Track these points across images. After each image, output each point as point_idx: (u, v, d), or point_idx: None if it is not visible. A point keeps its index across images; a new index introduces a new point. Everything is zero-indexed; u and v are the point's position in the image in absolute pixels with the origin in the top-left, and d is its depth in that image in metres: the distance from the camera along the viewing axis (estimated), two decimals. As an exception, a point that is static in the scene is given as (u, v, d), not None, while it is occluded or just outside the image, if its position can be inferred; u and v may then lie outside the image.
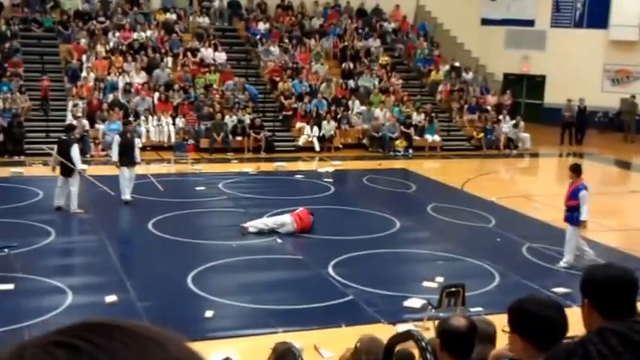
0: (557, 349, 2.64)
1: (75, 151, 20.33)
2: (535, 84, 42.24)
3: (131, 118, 29.44)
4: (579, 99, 36.65)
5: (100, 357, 1.18)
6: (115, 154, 21.63)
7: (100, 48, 34.09)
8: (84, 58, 33.39)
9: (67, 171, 20.21)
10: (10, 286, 14.43)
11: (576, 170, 17.09)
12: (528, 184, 29.28)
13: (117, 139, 22.03)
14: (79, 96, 30.76)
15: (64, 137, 21.06)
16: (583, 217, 16.61)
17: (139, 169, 22.56)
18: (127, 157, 21.46)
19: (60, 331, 1.26)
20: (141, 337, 1.25)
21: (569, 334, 4.19)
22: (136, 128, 29.27)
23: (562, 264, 16.87)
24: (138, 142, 24.77)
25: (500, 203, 23.10)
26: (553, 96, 40.63)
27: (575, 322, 4.12)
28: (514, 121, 34.83)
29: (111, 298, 13.96)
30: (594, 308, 3.73)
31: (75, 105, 29.94)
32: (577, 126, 36.59)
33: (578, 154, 34.63)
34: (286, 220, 19.07)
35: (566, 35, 40.90)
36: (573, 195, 16.68)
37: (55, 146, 21.03)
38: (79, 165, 20.48)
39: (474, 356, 5.36)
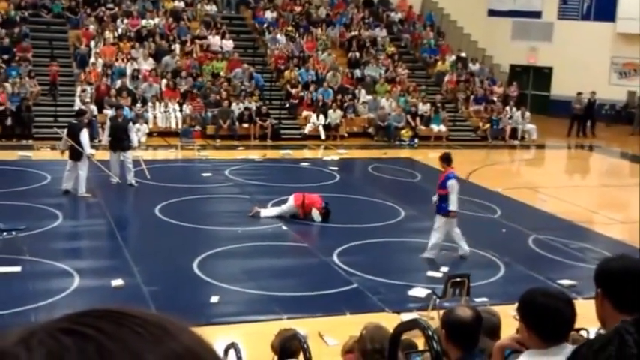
0: (593, 338, 2.68)
1: (84, 135, 20.44)
2: (542, 76, 42.19)
3: (138, 104, 29.63)
4: (590, 92, 36.59)
5: (109, 345, 1.13)
6: (105, 138, 21.96)
7: (108, 34, 34.13)
8: (92, 44, 33.41)
9: (76, 155, 20.31)
10: (18, 269, 14.51)
11: (446, 160, 16.55)
12: (534, 176, 29.27)
13: (108, 123, 22.31)
14: (88, 81, 30.82)
15: (74, 122, 21.19)
16: (451, 207, 16.13)
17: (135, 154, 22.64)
18: (117, 142, 21.72)
19: (68, 318, 1.20)
20: (151, 324, 1.19)
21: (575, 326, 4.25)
22: (142, 114, 29.42)
23: (428, 254, 16.48)
24: (135, 127, 25.00)
25: (505, 194, 23.13)
26: (560, 88, 40.63)
27: (580, 314, 4.18)
28: (520, 112, 34.82)
29: (117, 282, 14.05)
30: (607, 299, 3.77)
31: (83, 90, 29.99)
32: (586, 118, 36.55)
33: (585, 146, 34.64)
34: (290, 201, 19.22)
35: (573, 27, 40.84)
36: (443, 184, 16.23)
37: (65, 130, 21.14)
38: (88, 150, 20.56)
39: (478, 346, 5.40)
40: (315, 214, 19.05)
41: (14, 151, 25.48)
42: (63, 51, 33.65)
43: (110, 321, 1.18)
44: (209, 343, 1.22)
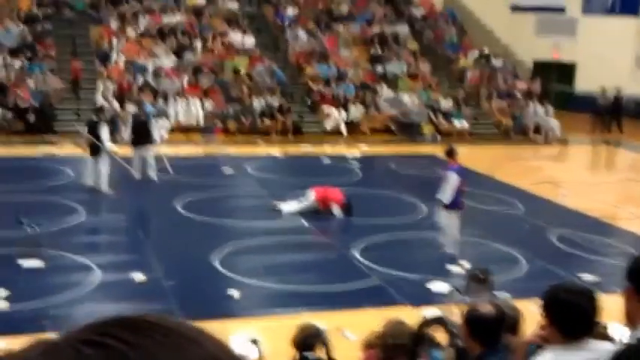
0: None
1: (104, 131, 20.53)
2: (565, 71, 42.00)
3: (160, 101, 29.73)
4: (616, 87, 36.40)
5: (132, 355, 1.13)
6: (127, 134, 22.08)
7: (130, 31, 34.25)
8: (114, 40, 33.54)
9: (96, 151, 20.38)
10: (41, 263, 14.56)
11: (449, 153, 16.26)
12: (557, 172, 29.13)
13: (130, 119, 22.42)
14: (110, 78, 30.93)
15: (94, 118, 21.27)
16: (438, 195, 16.02)
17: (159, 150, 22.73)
18: (139, 138, 21.86)
19: (90, 328, 1.21)
20: (175, 334, 1.19)
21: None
22: (164, 110, 29.51)
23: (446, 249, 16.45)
24: (159, 123, 25.14)
25: (528, 190, 23.03)
26: (584, 83, 40.45)
27: (602, 310, 4.15)
28: (543, 108, 34.69)
29: (139, 277, 14.08)
30: (637, 294, 3.74)
31: (105, 87, 30.10)
32: (611, 114, 36.37)
33: (609, 141, 34.46)
34: (310, 195, 19.23)
35: (598, 22, 40.63)
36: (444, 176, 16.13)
37: (85, 127, 21.24)
38: (109, 145, 20.63)
39: (501, 342, 5.38)
40: (336, 208, 19.03)
41: (37, 147, 25.60)
42: (85, 48, 33.80)
43: (133, 331, 1.17)
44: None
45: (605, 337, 6.42)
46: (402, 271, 15.08)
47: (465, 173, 16.52)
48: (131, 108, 28.74)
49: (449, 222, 16.32)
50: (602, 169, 31.57)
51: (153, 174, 21.76)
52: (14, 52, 31.43)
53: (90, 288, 13.57)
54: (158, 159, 22.35)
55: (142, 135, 21.86)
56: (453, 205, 16.07)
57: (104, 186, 20.35)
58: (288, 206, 19.32)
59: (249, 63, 34.28)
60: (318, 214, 19.02)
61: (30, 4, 34.94)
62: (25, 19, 33.75)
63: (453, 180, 15.84)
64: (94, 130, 20.55)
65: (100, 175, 20.44)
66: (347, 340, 11.51)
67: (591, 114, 36.46)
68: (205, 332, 1.23)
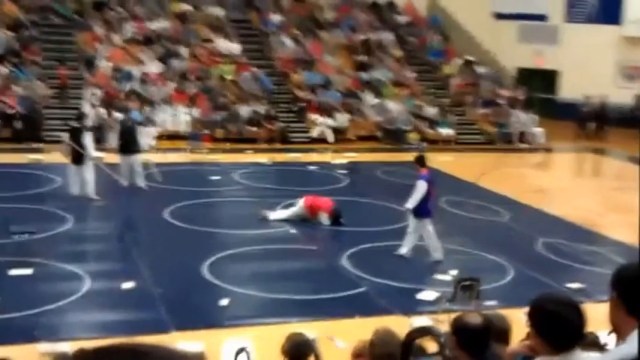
0: None
1: (88, 138, 20.48)
2: (548, 78, 42.15)
3: (147, 108, 29.73)
4: (600, 95, 36.63)
5: None
6: (114, 142, 22.09)
7: (116, 37, 34.23)
8: (100, 47, 33.51)
9: (79, 159, 20.35)
10: (29, 271, 14.57)
11: (418, 161, 16.79)
12: (542, 179, 29.27)
13: (117, 127, 22.41)
14: (96, 85, 30.92)
15: (76, 125, 21.18)
16: (407, 204, 16.38)
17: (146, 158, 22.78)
18: (126, 145, 21.80)
19: (84, 356, 1.22)
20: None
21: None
22: (151, 117, 29.51)
23: (435, 256, 16.61)
24: (146, 130, 25.19)
25: (514, 198, 23.16)
26: (567, 91, 40.66)
27: (588, 318, 4.22)
28: (527, 115, 34.87)
29: (128, 285, 14.11)
30: (622, 304, 3.80)
31: (92, 94, 30.11)
32: (595, 121, 36.56)
33: (593, 149, 34.61)
34: (300, 203, 19.32)
35: (580, 30, 40.84)
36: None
37: (67, 134, 21.16)
38: (93, 153, 20.61)
39: (489, 351, 5.44)
40: (324, 217, 19.12)
41: (24, 154, 25.57)
42: (72, 54, 33.72)
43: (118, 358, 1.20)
44: None
45: (597, 346, 6.51)
46: (390, 279, 15.18)
47: (433, 181, 16.71)
48: (118, 115, 28.76)
49: (423, 231, 16.51)
50: (587, 176, 31.74)
51: (141, 182, 21.77)
52: (0, 59, 31.38)
53: (79, 296, 13.58)
54: (146, 166, 22.37)
55: (129, 142, 21.81)
56: (424, 213, 16.38)
57: (91, 193, 20.34)
58: (276, 214, 19.40)
59: (235, 70, 34.33)
60: (306, 222, 19.10)
61: (16, 10, 34.86)
62: (11, 26, 33.67)
63: (422, 188, 16.22)
64: (76, 137, 20.48)
65: (85, 182, 20.40)
66: (336, 349, 11.59)
67: (575, 121, 36.66)
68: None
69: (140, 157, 22.05)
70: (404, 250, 16.65)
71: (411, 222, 16.65)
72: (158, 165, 23.31)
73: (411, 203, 16.29)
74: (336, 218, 19.14)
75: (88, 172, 20.43)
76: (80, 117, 22.15)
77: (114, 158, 22.22)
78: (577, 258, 17.42)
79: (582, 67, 38.99)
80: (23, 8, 35.07)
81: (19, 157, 25.26)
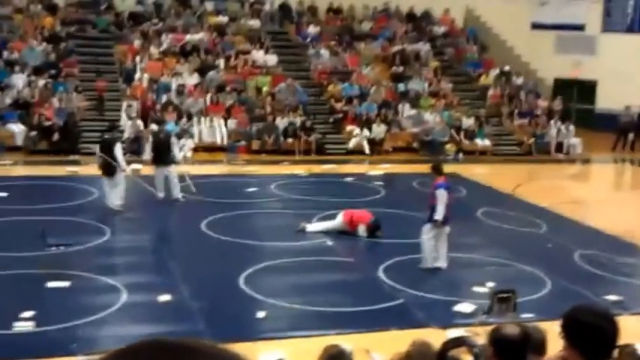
0: None
1: (118, 150, 20.55)
2: (586, 89, 41.88)
3: (184, 119, 29.88)
4: (639, 105, 36.37)
5: None
6: (147, 153, 22.15)
7: (153, 49, 34.45)
8: (138, 59, 33.76)
9: (110, 170, 20.45)
10: (67, 284, 14.65)
11: (435, 169, 16.72)
12: (580, 190, 29.11)
13: (150, 138, 22.47)
14: (133, 96, 31.13)
15: (107, 137, 21.30)
16: (436, 216, 16.25)
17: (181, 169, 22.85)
18: (160, 157, 21.84)
19: (129, 352, 1.20)
20: (206, 356, 1.18)
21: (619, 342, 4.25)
22: (188, 129, 29.65)
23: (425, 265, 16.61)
24: (181, 142, 25.32)
25: (551, 209, 23.01)
26: (605, 101, 40.37)
27: (627, 330, 4.18)
28: (564, 126, 34.69)
29: (164, 297, 14.13)
30: None
31: (129, 105, 30.30)
32: (636, 132, 36.24)
33: (633, 159, 34.34)
34: (339, 217, 19.31)
35: (618, 40, 40.55)
36: (433, 194, 16.39)
37: (98, 146, 21.27)
38: (123, 164, 20.65)
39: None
40: (362, 229, 19.09)
41: (62, 167, 25.74)
42: (109, 66, 34.03)
43: (172, 356, 1.19)
44: None
45: (636, 358, 6.46)
46: (427, 292, 15.12)
47: (451, 188, 16.74)
48: (154, 127, 28.93)
49: (430, 237, 16.50)
50: (625, 187, 31.50)
51: (177, 193, 21.85)
52: (38, 71, 31.68)
53: (116, 309, 13.63)
54: (181, 178, 22.45)
55: (162, 154, 21.89)
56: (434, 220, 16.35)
57: (116, 204, 20.43)
58: (314, 226, 19.40)
59: (271, 81, 34.44)
60: (343, 234, 19.07)
61: (53, 22, 35.21)
62: (49, 38, 34.03)
63: (443, 197, 16.19)
64: (108, 149, 20.60)
65: (116, 193, 20.54)
66: (373, 362, 11.56)
67: (613, 132, 36.37)
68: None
69: (174, 169, 22.14)
70: (440, 263, 16.59)
71: (424, 230, 16.59)
72: (193, 177, 23.37)
73: (440, 214, 16.23)
74: (373, 230, 19.10)
75: (120, 184, 20.53)
76: (111, 128, 22.30)
77: (150, 170, 22.33)
78: (615, 270, 17.24)
79: (620, 76, 38.65)
80: (61, 21, 35.41)
81: (56, 169, 25.45)
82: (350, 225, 19.15)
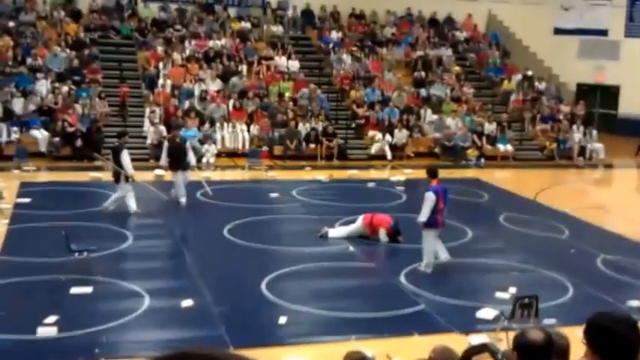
0: None
1: (124, 156, 20.77)
2: (609, 94, 41.75)
3: (206, 125, 29.97)
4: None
5: None
6: (163, 159, 22.27)
7: (176, 56, 34.58)
8: (161, 65, 33.90)
9: (117, 177, 20.83)
10: (89, 289, 14.72)
11: (429, 172, 17.09)
12: (602, 196, 29.01)
13: (165, 144, 22.62)
14: (156, 103, 31.24)
15: (117, 143, 21.53)
16: (420, 218, 16.55)
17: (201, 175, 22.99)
18: (176, 162, 22.08)
19: None
20: None
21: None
22: (210, 135, 29.73)
23: (422, 267, 16.81)
24: (204, 148, 25.61)
25: (573, 214, 22.94)
26: (628, 106, 40.21)
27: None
28: (587, 131, 34.56)
29: (187, 303, 14.18)
30: None
31: (152, 111, 30.42)
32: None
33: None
34: (359, 221, 19.34)
35: (641, 45, 40.44)
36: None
37: (110, 153, 21.52)
38: (130, 171, 20.85)
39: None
40: (382, 233, 19.10)
41: (85, 172, 25.87)
42: (132, 72, 34.18)
43: None
44: None
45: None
46: (448, 297, 15.10)
47: (443, 193, 16.71)
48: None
49: (427, 240, 16.74)
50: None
51: (183, 199, 22.04)
52: (61, 77, 31.85)
53: (139, 314, 13.69)
54: (198, 183, 22.60)
55: (178, 159, 22.12)
56: (430, 224, 16.55)
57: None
58: (336, 231, 19.42)
59: (293, 87, 34.50)
60: (364, 239, 19.09)
61: (77, 29, 35.39)
62: (72, 45, 34.22)
63: (430, 200, 16.38)
64: (116, 155, 20.82)
65: (127, 199, 20.88)
66: (395, 367, 11.57)
67: (636, 137, 36.15)
68: None
69: (189, 174, 22.31)
70: (443, 256, 16.95)
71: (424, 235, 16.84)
72: (217, 182, 23.46)
73: (423, 216, 16.49)
74: (394, 235, 19.10)
75: (126, 189, 20.84)
76: (120, 135, 22.45)
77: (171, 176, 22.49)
78: (638, 275, 17.15)
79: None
80: (84, 27, 35.59)
81: (79, 175, 25.59)
82: (370, 228, 19.18)
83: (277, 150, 30.82)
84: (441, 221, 16.71)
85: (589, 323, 4.28)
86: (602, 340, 4.14)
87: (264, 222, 20.95)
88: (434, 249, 16.82)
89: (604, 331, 4.15)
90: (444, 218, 16.88)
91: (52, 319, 12.94)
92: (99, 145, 28.26)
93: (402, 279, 16.16)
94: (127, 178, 20.84)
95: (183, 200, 22.01)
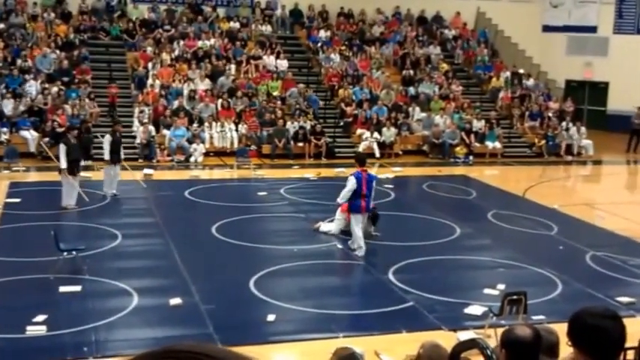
0: None
1: (60, 149, 21.35)
2: (598, 90, 41.82)
3: (195, 124, 29.97)
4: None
5: None
6: (106, 153, 22.43)
7: (165, 56, 34.58)
8: (150, 65, 33.89)
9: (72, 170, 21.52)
10: (78, 288, 14.72)
11: (357, 160, 18.57)
12: (591, 192, 29.07)
13: (107, 138, 22.79)
14: (145, 102, 31.22)
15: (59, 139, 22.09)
16: (338, 199, 18.07)
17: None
18: (117, 155, 22.77)
19: (147, 358, 1.19)
20: None
21: (629, 344, 4.24)
22: (199, 134, 29.74)
23: (356, 252, 17.64)
24: (192, 147, 25.80)
25: (562, 211, 22.98)
26: (616, 103, 40.28)
27: (637, 332, 4.17)
28: (576, 128, 34.61)
29: (175, 301, 14.18)
30: None
31: (141, 111, 30.41)
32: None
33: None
34: (338, 212, 19.46)
35: (629, 41, 40.49)
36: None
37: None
38: (63, 164, 21.25)
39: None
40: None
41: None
42: (121, 73, 34.18)
43: None
44: None
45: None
46: (437, 294, 15.11)
47: (366, 179, 17.55)
48: (166, 132, 29.17)
49: (354, 225, 17.71)
50: (637, 189, 31.43)
51: (114, 191, 22.79)
52: (51, 78, 31.82)
53: (127, 312, 13.68)
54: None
55: (119, 153, 22.97)
56: (354, 209, 17.57)
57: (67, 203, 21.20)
58: (328, 226, 19.46)
59: (282, 86, 34.50)
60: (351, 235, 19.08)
61: (67, 30, 35.35)
62: (62, 46, 34.17)
63: (350, 184, 17.55)
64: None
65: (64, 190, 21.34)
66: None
67: (624, 133, 36.22)
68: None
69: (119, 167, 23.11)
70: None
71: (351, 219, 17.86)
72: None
73: (341, 198, 17.84)
74: (372, 219, 19.13)
75: (64, 183, 21.31)
76: (67, 129, 23.05)
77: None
78: (627, 271, 17.19)
79: (632, 78, 38.60)
80: (74, 28, 35.54)
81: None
82: (348, 214, 19.17)
83: (265, 149, 30.82)
84: (364, 207, 17.58)
85: (571, 320, 4.28)
86: (584, 337, 4.13)
87: (253, 220, 20.96)
88: (361, 233, 17.69)
89: (587, 328, 4.14)
90: (368, 205, 17.68)
91: (41, 317, 12.96)
92: (88, 145, 28.18)
93: (391, 276, 16.16)
94: (60, 171, 21.27)
95: (114, 192, 22.62)
